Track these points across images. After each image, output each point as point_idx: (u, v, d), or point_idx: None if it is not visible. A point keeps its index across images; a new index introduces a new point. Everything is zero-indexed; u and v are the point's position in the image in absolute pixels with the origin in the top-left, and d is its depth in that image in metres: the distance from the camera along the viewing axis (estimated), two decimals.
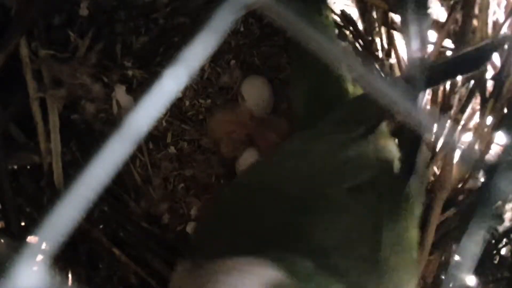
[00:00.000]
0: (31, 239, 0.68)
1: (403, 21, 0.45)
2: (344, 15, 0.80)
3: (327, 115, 0.60)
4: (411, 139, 0.53)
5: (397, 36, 0.81)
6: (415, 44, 0.43)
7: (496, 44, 0.55)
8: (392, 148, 0.58)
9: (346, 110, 0.61)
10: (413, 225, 0.56)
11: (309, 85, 0.67)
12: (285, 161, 0.56)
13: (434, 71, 0.49)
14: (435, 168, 0.76)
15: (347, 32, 0.81)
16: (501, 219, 0.75)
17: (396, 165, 0.56)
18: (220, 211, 0.56)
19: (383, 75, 0.79)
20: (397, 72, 0.81)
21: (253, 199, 0.53)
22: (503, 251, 0.76)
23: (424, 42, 0.44)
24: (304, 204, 0.51)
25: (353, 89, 0.65)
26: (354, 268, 0.48)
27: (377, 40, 0.81)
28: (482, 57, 0.52)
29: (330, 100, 0.64)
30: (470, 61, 0.52)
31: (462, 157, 0.75)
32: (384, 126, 0.60)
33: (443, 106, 0.76)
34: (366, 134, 0.56)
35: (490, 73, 0.75)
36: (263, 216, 0.51)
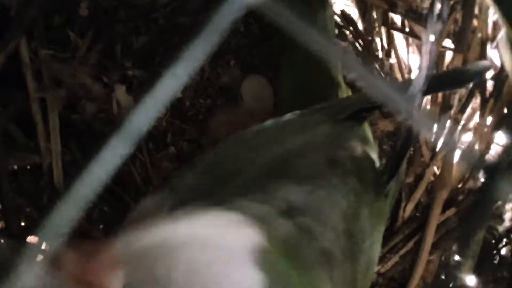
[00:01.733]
0: (31, 239, 0.68)
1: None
2: (344, 15, 0.80)
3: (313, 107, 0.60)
4: (401, 143, 0.53)
5: (397, 36, 0.81)
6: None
7: (486, 68, 0.63)
8: (373, 150, 0.57)
9: (334, 102, 0.60)
10: (379, 229, 0.54)
11: (298, 75, 0.66)
12: (265, 129, 0.58)
13: (433, 81, 0.52)
14: (435, 168, 0.76)
15: (347, 32, 0.81)
16: (501, 219, 0.75)
17: (377, 164, 0.55)
18: (205, 160, 0.56)
19: (383, 75, 0.79)
20: (397, 72, 0.81)
21: (235, 156, 0.54)
22: (503, 251, 0.76)
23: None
24: (281, 166, 0.51)
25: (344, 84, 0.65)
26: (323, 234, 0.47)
27: (377, 40, 0.81)
28: (473, 75, 0.61)
29: (319, 92, 0.63)
30: (462, 77, 0.60)
31: (462, 157, 0.75)
32: (368, 131, 0.59)
33: (443, 106, 0.76)
34: (352, 126, 0.56)
35: (490, 73, 0.75)
36: (242, 170, 0.51)
